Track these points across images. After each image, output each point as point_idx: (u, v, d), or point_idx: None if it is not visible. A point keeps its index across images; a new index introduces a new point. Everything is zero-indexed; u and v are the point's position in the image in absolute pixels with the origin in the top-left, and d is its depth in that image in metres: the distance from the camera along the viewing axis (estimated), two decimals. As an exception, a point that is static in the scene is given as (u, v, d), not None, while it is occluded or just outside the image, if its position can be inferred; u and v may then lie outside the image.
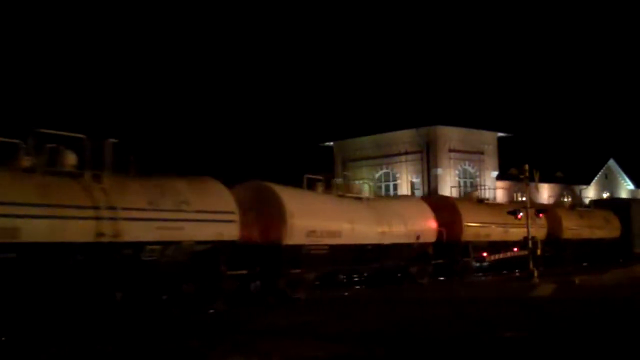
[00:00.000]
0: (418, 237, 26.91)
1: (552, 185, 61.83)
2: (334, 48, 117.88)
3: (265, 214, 20.99)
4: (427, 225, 27.86)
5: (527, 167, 29.30)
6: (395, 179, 56.40)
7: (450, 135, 55.43)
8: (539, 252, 30.13)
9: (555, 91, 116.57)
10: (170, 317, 16.66)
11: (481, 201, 35.90)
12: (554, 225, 37.18)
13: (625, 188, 74.64)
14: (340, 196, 24.94)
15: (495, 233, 32.47)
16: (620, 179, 74.76)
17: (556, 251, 37.06)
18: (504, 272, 33.60)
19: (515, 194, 53.74)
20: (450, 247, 29.26)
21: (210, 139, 71.93)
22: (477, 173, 56.83)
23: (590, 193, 71.02)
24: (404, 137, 55.88)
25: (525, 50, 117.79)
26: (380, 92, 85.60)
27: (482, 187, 49.85)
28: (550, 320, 15.73)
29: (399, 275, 27.20)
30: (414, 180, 54.71)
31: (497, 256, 32.00)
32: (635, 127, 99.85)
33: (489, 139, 57.95)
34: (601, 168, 72.99)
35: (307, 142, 64.75)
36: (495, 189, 53.99)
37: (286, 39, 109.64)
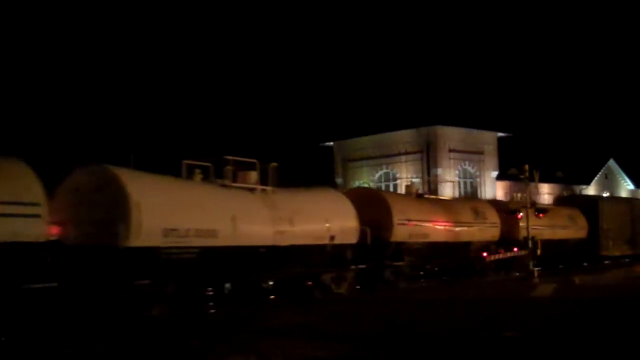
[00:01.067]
0: (332, 238, 22.01)
1: (552, 185, 61.84)
2: (334, 48, 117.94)
3: (100, 206, 16.29)
4: (346, 223, 22.82)
5: (527, 167, 29.31)
6: (395, 179, 56.39)
7: (450, 135, 55.42)
8: (487, 254, 30.63)
9: (555, 91, 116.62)
10: (171, 317, 16.62)
11: (420, 196, 31.27)
12: (509, 225, 32.05)
13: (625, 188, 74.62)
14: (225, 186, 19.79)
15: (438, 233, 28.20)
16: (620, 179, 74.73)
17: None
18: (503, 272, 33.44)
19: (515, 194, 53.76)
20: (378, 249, 24.63)
21: (210, 139, 71.84)
22: (477, 173, 56.82)
23: (590, 193, 70.99)
24: (404, 137, 55.87)
25: (525, 50, 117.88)
26: (380, 92, 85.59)
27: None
28: (550, 320, 15.72)
29: (309, 284, 21.87)
30: (414, 180, 54.76)
31: (497, 256, 31.73)
32: (635, 127, 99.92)
33: (489, 139, 57.95)
34: (601, 168, 72.95)
35: (307, 142, 64.77)
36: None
37: (287, 39, 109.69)
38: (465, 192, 55.20)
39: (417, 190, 31.39)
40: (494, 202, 36.76)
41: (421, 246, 27.03)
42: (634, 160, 74.04)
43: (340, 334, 13.74)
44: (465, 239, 29.77)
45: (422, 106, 57.95)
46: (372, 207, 24.88)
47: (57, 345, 12.51)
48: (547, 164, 45.84)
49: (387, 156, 56.73)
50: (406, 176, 54.94)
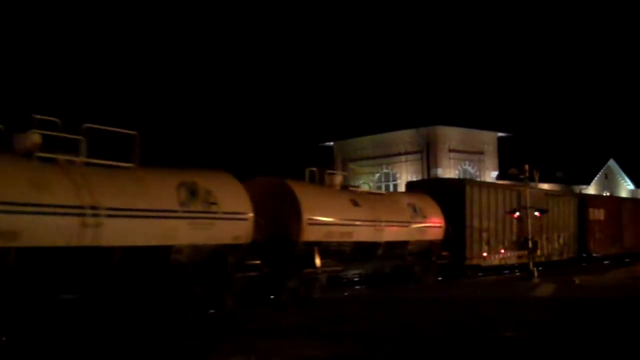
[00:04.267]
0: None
1: (552, 185, 61.87)
2: (334, 48, 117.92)
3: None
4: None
5: (527, 167, 29.29)
6: (395, 179, 56.40)
7: (450, 135, 55.45)
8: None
9: (555, 91, 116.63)
10: (171, 317, 16.62)
11: (345, 187, 24.91)
12: (285, 219, 20.81)
13: (625, 188, 74.62)
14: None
15: (362, 232, 22.96)
16: (620, 179, 74.73)
17: (284, 262, 20.31)
18: (506, 272, 33.39)
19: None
20: (284, 251, 20.05)
21: (210, 140, 71.90)
22: (477, 173, 56.82)
23: (590, 193, 70.99)
24: (404, 137, 55.91)
25: (525, 50, 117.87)
26: (380, 92, 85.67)
27: None
28: (550, 320, 15.71)
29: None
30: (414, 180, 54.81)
31: (497, 256, 31.67)
32: (635, 127, 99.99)
33: (489, 139, 57.97)
34: (601, 168, 72.96)
35: (307, 142, 64.83)
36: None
37: (287, 40, 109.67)
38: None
39: (341, 181, 25.06)
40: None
41: (340, 247, 22.15)
42: (634, 160, 74.11)
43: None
44: (399, 238, 24.90)
45: (422, 106, 58.10)
46: (277, 200, 20.57)
47: (57, 345, 12.51)
48: (547, 164, 45.91)
49: (387, 156, 56.78)
50: (406, 176, 55.01)
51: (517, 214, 29.94)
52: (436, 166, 54.17)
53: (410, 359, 11.53)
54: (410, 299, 20.84)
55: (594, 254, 40.69)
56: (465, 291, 24.08)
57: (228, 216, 16.90)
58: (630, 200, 52.34)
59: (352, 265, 24.10)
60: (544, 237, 34.30)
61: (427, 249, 26.78)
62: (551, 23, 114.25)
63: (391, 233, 24.48)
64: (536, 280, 27.78)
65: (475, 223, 30.05)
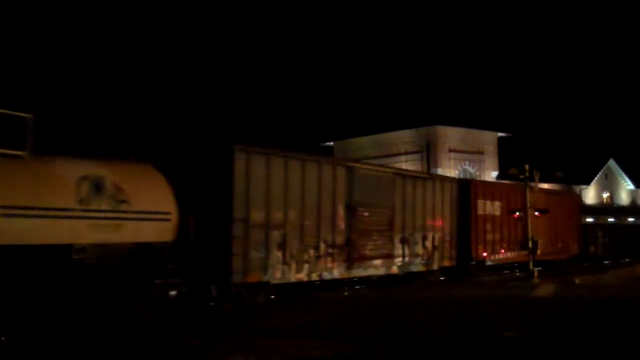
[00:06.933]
0: None
1: (552, 185, 61.87)
2: (334, 48, 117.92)
3: None
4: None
5: (527, 167, 29.25)
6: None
7: (450, 135, 55.50)
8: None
9: (555, 91, 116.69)
10: (170, 316, 16.60)
11: None
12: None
13: (626, 188, 74.63)
14: None
15: None
16: (620, 179, 74.74)
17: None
18: (506, 272, 33.21)
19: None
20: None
21: (210, 139, 71.78)
22: (477, 173, 56.86)
23: (590, 193, 71.02)
24: (404, 137, 55.96)
25: (525, 50, 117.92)
26: (380, 92, 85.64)
27: None
28: (550, 320, 15.71)
29: None
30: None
31: (497, 256, 31.52)
32: (635, 127, 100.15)
33: (489, 139, 58.03)
34: (601, 168, 73.01)
35: (307, 142, 64.81)
36: None
37: (287, 40, 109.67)
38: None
39: None
40: None
41: None
42: (634, 160, 74.16)
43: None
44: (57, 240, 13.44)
45: (422, 106, 58.23)
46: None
47: (56, 345, 12.48)
48: (547, 164, 45.88)
49: (387, 156, 56.80)
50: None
51: (518, 214, 29.68)
52: (436, 166, 54.21)
53: (410, 359, 11.53)
54: (410, 299, 20.83)
55: (488, 262, 29.36)
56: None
57: (143, 216, 14.17)
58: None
59: None
60: (373, 238, 22.17)
61: (132, 259, 14.46)
62: (551, 23, 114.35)
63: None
64: (536, 280, 27.70)
65: (256, 216, 17.68)
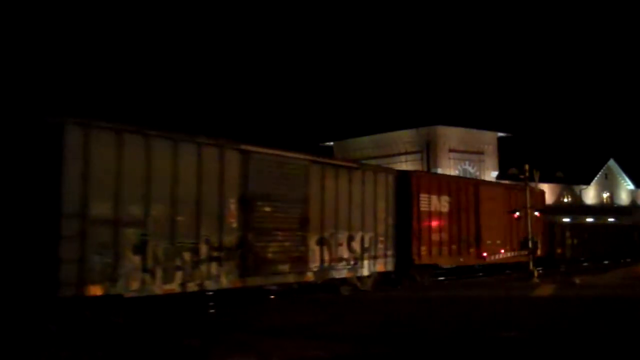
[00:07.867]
0: None
1: (552, 185, 61.89)
2: (335, 48, 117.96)
3: None
4: None
5: (527, 167, 29.24)
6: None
7: (450, 135, 55.53)
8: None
9: (555, 91, 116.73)
10: (170, 316, 16.62)
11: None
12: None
13: (625, 188, 74.64)
14: None
15: None
16: (620, 179, 74.77)
17: None
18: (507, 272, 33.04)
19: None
20: None
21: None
22: (477, 173, 56.89)
23: (590, 193, 71.04)
24: (404, 137, 56.00)
25: (525, 50, 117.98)
26: (380, 92, 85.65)
27: None
28: (550, 320, 15.71)
29: None
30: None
31: (497, 256, 31.45)
32: (635, 127, 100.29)
33: (489, 139, 58.07)
34: (601, 168, 73.06)
35: (307, 142, 64.82)
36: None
37: (287, 40, 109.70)
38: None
39: None
40: None
41: None
42: (634, 160, 74.22)
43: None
44: None
45: (422, 106, 58.35)
46: None
47: (55, 346, 12.48)
48: (547, 164, 45.92)
49: (387, 156, 56.82)
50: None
51: (517, 214, 29.65)
52: (436, 166, 54.24)
53: (411, 359, 11.53)
54: (410, 299, 20.81)
55: (440, 266, 26.28)
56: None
57: None
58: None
59: None
60: (278, 238, 18.30)
61: None
62: (551, 23, 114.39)
63: None
64: (536, 280, 27.72)
65: (99, 209, 13.98)
